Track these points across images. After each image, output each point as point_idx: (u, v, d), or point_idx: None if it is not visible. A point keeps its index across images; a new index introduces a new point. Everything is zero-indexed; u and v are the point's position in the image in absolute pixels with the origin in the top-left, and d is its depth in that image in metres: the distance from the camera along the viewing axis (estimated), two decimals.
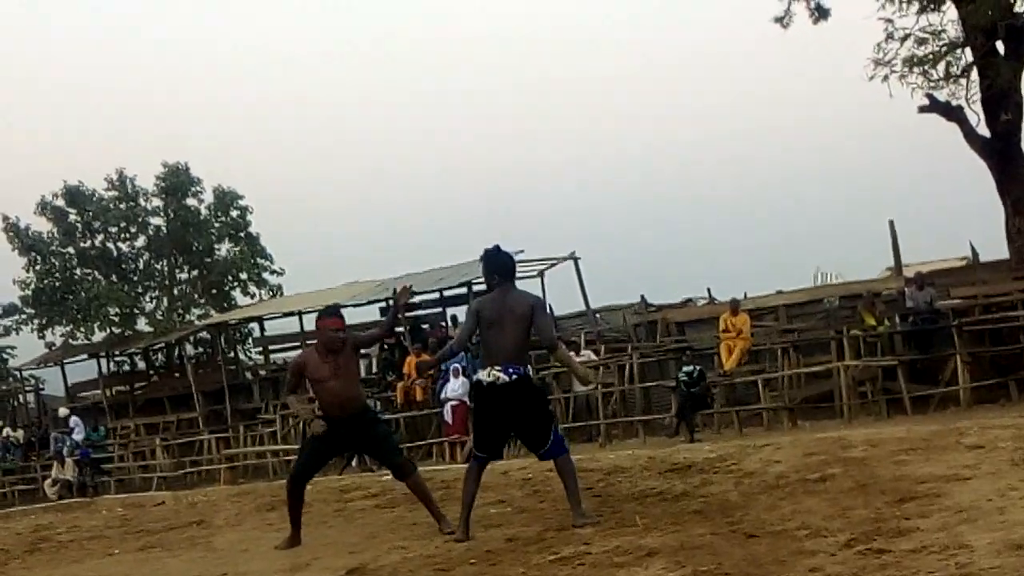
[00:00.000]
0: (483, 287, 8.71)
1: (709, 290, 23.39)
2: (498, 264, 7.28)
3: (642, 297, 22.97)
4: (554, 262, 23.92)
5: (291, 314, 26.22)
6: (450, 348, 8.03)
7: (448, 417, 18.44)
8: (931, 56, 17.50)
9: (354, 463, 19.67)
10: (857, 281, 20.09)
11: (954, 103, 17.88)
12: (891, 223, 19.55)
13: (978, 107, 17.61)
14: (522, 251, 23.95)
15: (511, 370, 6.89)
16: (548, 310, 22.80)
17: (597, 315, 23.53)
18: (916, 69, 17.49)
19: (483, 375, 6.95)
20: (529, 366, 7.38)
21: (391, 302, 24.47)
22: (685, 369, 17.48)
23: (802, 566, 4.44)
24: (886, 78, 17.65)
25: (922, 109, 18.19)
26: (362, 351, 25.19)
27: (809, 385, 17.97)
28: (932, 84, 17.77)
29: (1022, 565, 3.84)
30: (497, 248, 7.38)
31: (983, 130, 17.62)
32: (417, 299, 24.97)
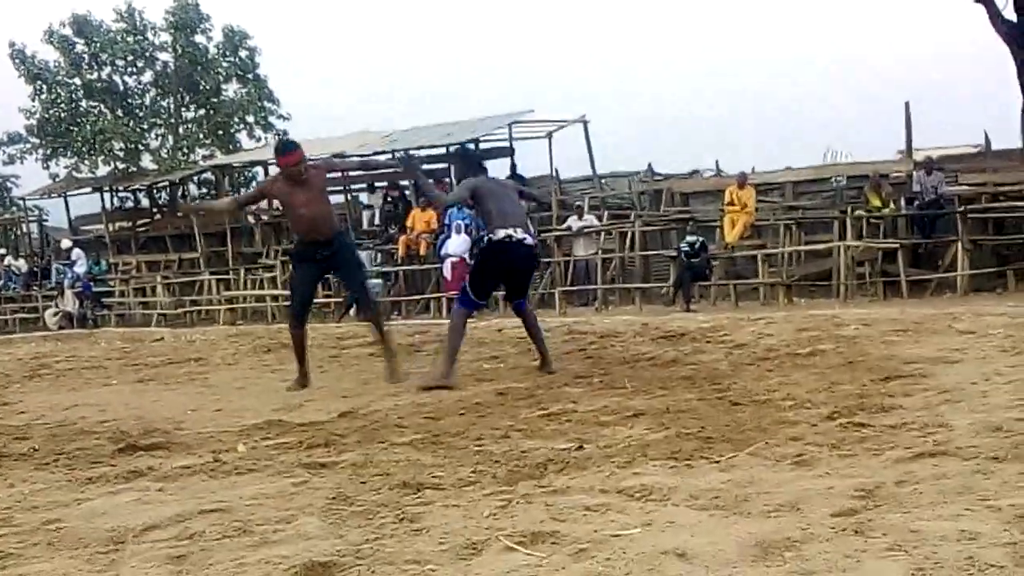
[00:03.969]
0: (489, 145, 9.14)
1: (717, 163, 23.26)
2: (473, 160, 8.86)
3: (649, 166, 22.84)
4: (563, 124, 23.69)
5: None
6: (438, 195, 9.37)
7: (447, 273, 18.52)
8: None
9: (352, 311, 19.90)
10: (866, 162, 19.89)
11: None
12: (906, 104, 19.27)
13: None
14: (532, 111, 23.78)
15: (530, 233, 7.88)
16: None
17: (603, 181, 23.43)
18: None
19: (511, 232, 7.67)
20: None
21: (397, 156, 24.42)
22: (687, 239, 17.49)
23: (783, 434, 4.53)
24: None
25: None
26: (366, 200, 25.20)
27: (809, 263, 18.02)
28: None
29: (998, 446, 3.92)
30: (465, 150, 8.95)
31: (1010, 14, 17.16)
32: (423, 153, 24.83)
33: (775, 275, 17.26)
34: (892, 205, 17.73)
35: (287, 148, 8.17)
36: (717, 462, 4.06)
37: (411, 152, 23.23)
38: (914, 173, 17.95)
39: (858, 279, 16.71)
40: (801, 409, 5.20)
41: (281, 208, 8.55)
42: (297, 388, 7.91)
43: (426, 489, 3.88)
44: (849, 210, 17.65)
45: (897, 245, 16.58)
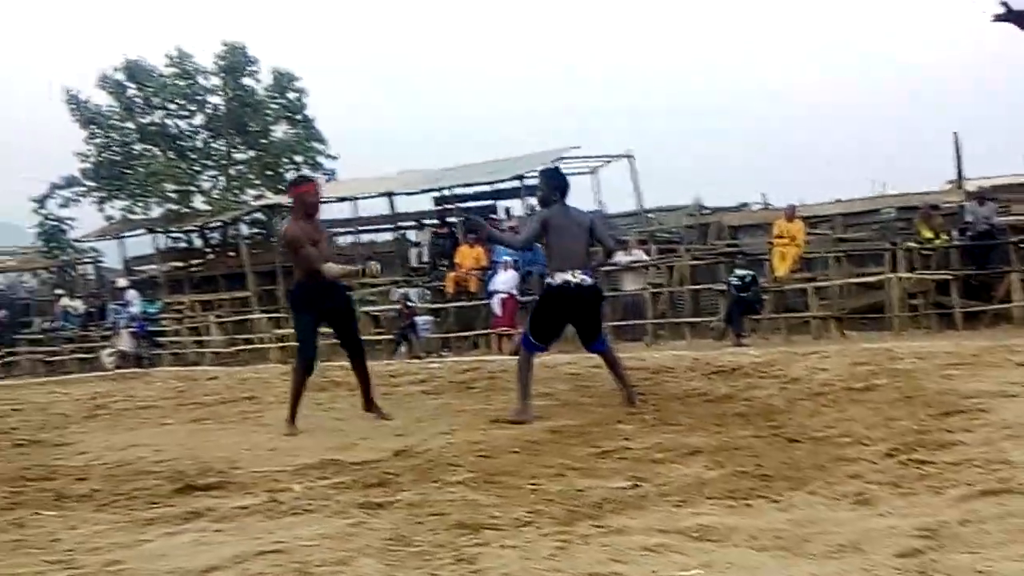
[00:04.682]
0: (534, 180, 9.02)
1: (764, 195, 23.16)
2: (560, 182, 8.07)
3: (696, 199, 22.80)
4: (609, 160, 23.74)
5: (344, 199, 26.34)
6: (512, 239, 9.37)
7: (497, 309, 18.57)
8: None
9: (403, 348, 19.98)
10: (916, 192, 19.71)
11: None
12: (955, 135, 19.12)
13: None
14: (577, 147, 23.88)
15: (590, 274, 7.84)
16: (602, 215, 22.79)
17: (650, 215, 23.41)
18: None
19: (570, 277, 7.65)
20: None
21: (443, 192, 24.61)
22: (737, 273, 17.38)
23: (842, 472, 4.48)
24: None
25: (997, 18, 17.46)
26: (414, 238, 25.31)
27: (860, 295, 17.82)
28: None
29: None
30: (557, 168, 8.22)
31: None
32: (470, 191, 24.97)
33: (826, 308, 17.09)
34: (944, 236, 17.52)
35: (306, 179, 8.30)
36: (776, 501, 4.02)
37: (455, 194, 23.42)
38: (966, 203, 17.73)
39: (911, 311, 16.51)
40: (859, 446, 5.14)
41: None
42: (294, 433, 7.85)
43: (483, 529, 3.88)
44: (900, 242, 17.47)
45: (950, 276, 16.37)
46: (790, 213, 18.45)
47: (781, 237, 18.18)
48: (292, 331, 9.26)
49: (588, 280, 7.76)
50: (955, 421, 5.66)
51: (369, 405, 8.33)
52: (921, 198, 18.74)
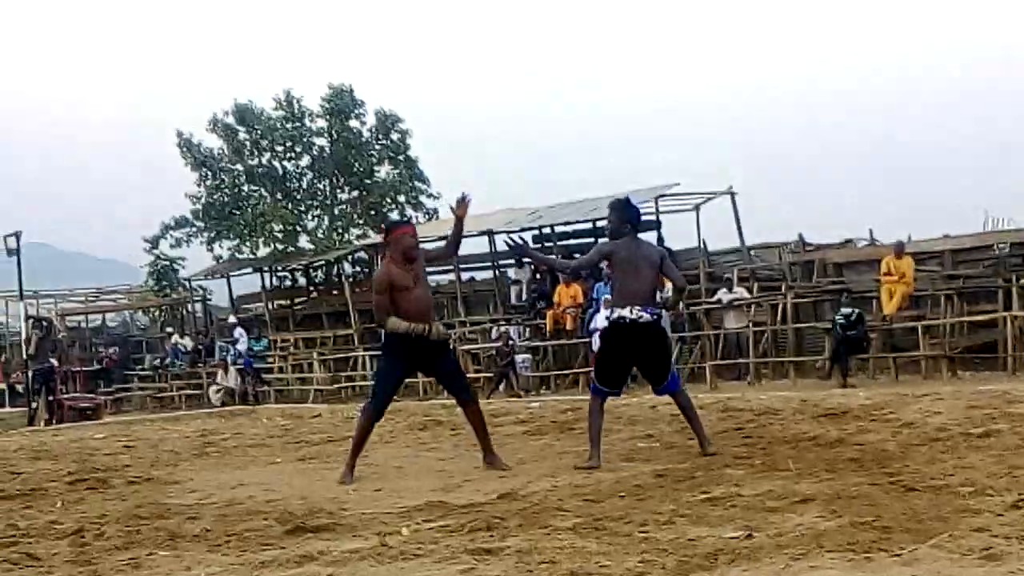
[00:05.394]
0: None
1: (871, 231, 22.66)
2: (631, 214, 7.79)
3: (800, 236, 22.40)
4: (710, 196, 23.53)
5: (445, 238, 26.51)
6: (562, 263, 8.97)
7: (596, 347, 18.49)
8: None
9: (501, 388, 20.02)
10: None
11: None
12: None
13: None
14: (677, 184, 23.72)
15: (650, 311, 7.45)
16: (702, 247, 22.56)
17: (752, 252, 23.10)
18: None
19: (626, 312, 7.44)
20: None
21: (543, 229, 24.69)
22: (843, 311, 17.02)
23: (966, 524, 4.31)
24: None
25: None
26: (513, 276, 25.42)
27: (972, 334, 17.28)
28: None
29: None
30: (628, 199, 8.01)
31: None
32: (569, 228, 24.98)
33: (937, 347, 16.61)
34: None
35: (404, 221, 8.12)
36: (898, 555, 3.89)
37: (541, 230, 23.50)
38: None
39: None
40: (982, 496, 4.95)
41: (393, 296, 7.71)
42: (348, 481, 7.49)
43: None
44: (1015, 278, 16.90)
45: None
46: (899, 249, 18.02)
47: (889, 274, 17.76)
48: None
49: (647, 316, 7.38)
50: None
51: (488, 454, 7.83)
52: None
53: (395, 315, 7.65)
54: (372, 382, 23.20)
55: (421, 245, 8.50)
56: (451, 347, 8.44)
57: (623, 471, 6.94)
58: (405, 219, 8.31)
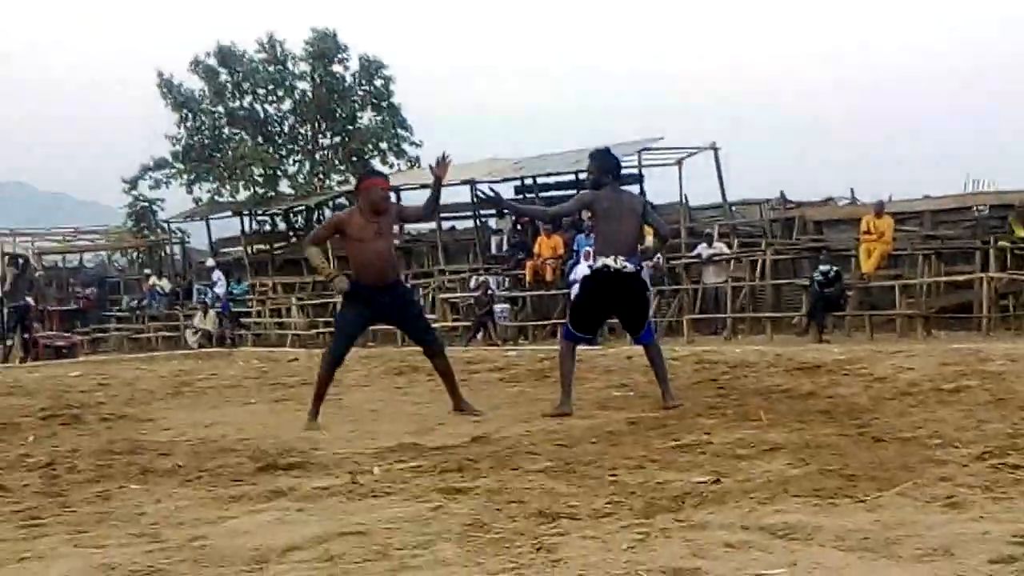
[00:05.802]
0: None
1: (852, 190, 22.72)
2: (611, 163, 7.74)
3: (781, 193, 22.43)
4: (693, 151, 23.51)
5: (427, 186, 26.38)
6: (537, 210, 8.91)
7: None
8: None
9: (479, 336, 20.06)
10: (1012, 191, 19.13)
11: None
12: None
13: None
14: (661, 138, 23.67)
15: (634, 261, 7.43)
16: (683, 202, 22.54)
17: (733, 208, 23.13)
18: None
19: (610, 261, 7.35)
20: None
21: (525, 181, 24.61)
22: (821, 268, 17.09)
23: (931, 474, 4.35)
24: None
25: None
26: (495, 225, 25.38)
27: (948, 295, 17.39)
28: None
29: None
30: (608, 149, 7.90)
31: None
32: (551, 180, 24.93)
33: (913, 307, 16.72)
34: None
35: (378, 172, 8.01)
36: (863, 501, 3.93)
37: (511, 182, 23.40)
38: None
39: (1001, 312, 16.06)
40: (949, 448, 5.00)
41: (349, 244, 7.65)
42: (314, 428, 7.32)
43: (562, 519, 3.85)
44: (992, 240, 16.99)
45: None
46: (879, 209, 18.09)
47: (868, 233, 17.83)
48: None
49: (629, 266, 7.35)
50: None
51: (458, 403, 7.80)
52: (1017, 196, 18.17)
53: (349, 269, 7.68)
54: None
55: (400, 202, 8.43)
56: (415, 298, 8.26)
57: (596, 418, 6.98)
58: (378, 172, 8.08)
